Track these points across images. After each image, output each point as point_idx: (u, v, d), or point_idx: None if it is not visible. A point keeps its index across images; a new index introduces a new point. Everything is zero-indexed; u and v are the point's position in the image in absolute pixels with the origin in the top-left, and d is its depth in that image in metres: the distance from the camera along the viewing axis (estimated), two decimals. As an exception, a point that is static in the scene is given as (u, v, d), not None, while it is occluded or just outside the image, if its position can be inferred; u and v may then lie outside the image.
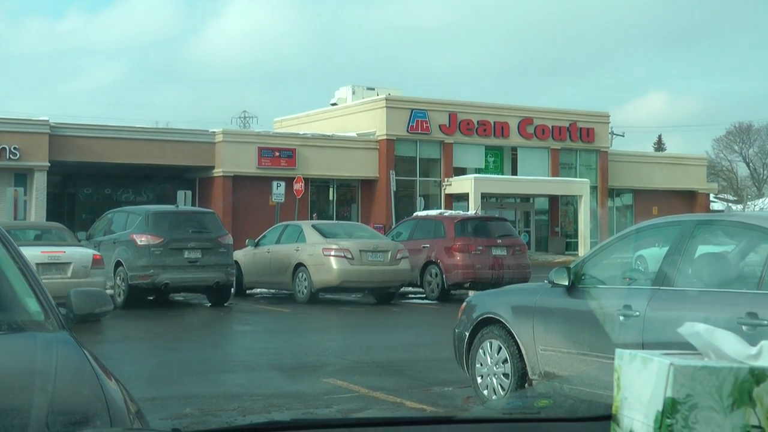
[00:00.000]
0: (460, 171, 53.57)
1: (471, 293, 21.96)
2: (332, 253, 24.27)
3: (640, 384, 2.26)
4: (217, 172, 48.69)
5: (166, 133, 50.53)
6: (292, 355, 15.41)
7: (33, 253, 18.18)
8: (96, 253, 21.82)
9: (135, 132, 48.51)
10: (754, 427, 2.21)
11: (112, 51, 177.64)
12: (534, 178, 54.43)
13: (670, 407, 2.17)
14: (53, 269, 19.99)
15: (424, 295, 26.71)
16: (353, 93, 58.62)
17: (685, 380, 2.18)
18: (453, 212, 32.55)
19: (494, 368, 10.31)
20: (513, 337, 10.07)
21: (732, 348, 2.31)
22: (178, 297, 25.75)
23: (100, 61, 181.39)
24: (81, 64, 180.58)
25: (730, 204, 78.76)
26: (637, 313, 8.53)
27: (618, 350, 2.38)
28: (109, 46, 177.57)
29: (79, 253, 20.96)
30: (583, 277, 9.52)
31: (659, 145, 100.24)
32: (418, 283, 26.70)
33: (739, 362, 2.28)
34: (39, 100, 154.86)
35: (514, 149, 56.08)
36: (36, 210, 44.30)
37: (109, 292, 21.74)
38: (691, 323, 2.39)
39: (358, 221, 45.82)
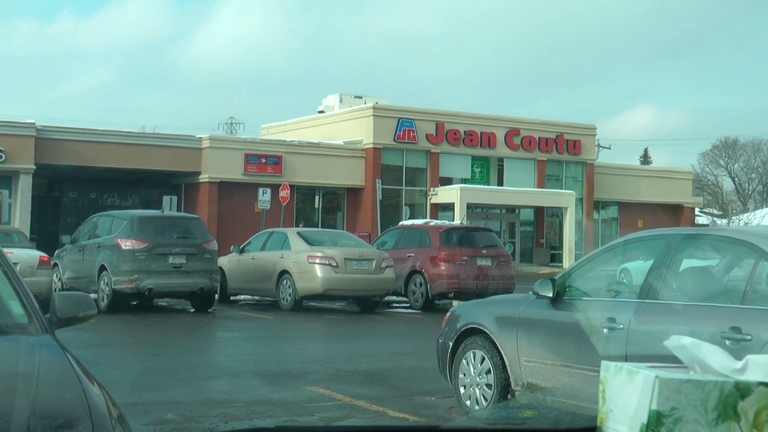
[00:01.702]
0: (447, 181, 53.60)
1: (455, 303, 21.97)
2: (317, 260, 24.24)
3: (625, 396, 2.26)
4: (203, 177, 48.62)
5: (153, 138, 50.41)
6: (276, 363, 15.38)
7: None
8: (43, 255, 22.67)
9: (121, 136, 48.42)
10: (738, 441, 2.21)
11: (100, 55, 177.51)
12: (520, 189, 54.47)
13: (655, 420, 2.17)
14: None
15: (408, 305, 26.69)
16: (340, 101, 58.70)
17: (670, 393, 2.18)
18: (438, 222, 32.56)
19: (477, 379, 10.30)
20: (497, 348, 10.06)
21: (717, 362, 2.32)
22: (162, 302, 25.70)
23: (88, 64, 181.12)
24: (69, 68, 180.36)
25: (715, 218, 78.92)
26: (621, 326, 8.53)
27: (604, 362, 2.38)
28: (98, 49, 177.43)
29: (26, 255, 21.83)
30: (567, 289, 9.51)
31: (645, 159, 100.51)
32: (403, 293, 26.68)
33: (725, 376, 2.28)
34: (26, 103, 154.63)
35: (500, 160, 56.11)
36: (21, 213, 44.15)
37: (93, 296, 21.72)
38: (678, 336, 2.39)
39: (343, 229, 45.82)
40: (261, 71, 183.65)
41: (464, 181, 54.01)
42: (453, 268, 25.86)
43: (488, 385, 10.17)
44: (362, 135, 52.21)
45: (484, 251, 26.58)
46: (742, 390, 2.22)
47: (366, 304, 25.23)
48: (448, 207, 52.07)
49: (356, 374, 13.79)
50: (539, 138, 56.26)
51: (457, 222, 38.25)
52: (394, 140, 52.04)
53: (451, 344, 10.67)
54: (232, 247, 27.72)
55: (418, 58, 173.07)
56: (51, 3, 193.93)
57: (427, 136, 52.79)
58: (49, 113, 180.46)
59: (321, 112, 59.48)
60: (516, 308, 10.12)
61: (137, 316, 22.48)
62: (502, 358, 10.02)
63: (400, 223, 33.58)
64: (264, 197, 40.59)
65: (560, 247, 56.67)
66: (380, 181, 50.02)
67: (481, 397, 10.26)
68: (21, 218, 43.65)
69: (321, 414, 10.36)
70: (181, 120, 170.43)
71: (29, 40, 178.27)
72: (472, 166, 55.22)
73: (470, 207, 52.52)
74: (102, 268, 23.21)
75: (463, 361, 10.49)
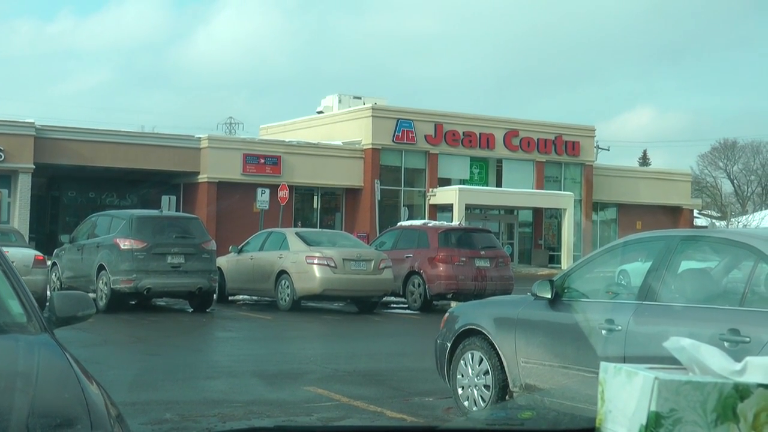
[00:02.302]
0: (445, 182, 53.61)
1: (453, 304, 21.96)
2: (315, 261, 24.22)
3: (624, 397, 2.26)
4: (202, 177, 48.63)
5: (152, 138, 50.45)
6: (274, 363, 15.37)
7: None
8: (38, 254, 22.78)
9: (120, 136, 48.45)
10: (737, 442, 2.21)
11: (100, 54, 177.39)
12: (518, 191, 54.47)
13: (654, 421, 2.17)
14: None
15: (406, 305, 26.68)
16: (339, 101, 58.70)
17: (669, 394, 2.18)
18: (437, 223, 32.55)
19: (475, 379, 10.30)
20: (495, 349, 10.06)
21: (717, 363, 2.32)
22: (161, 302, 25.68)
23: (87, 64, 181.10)
24: (69, 67, 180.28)
25: (714, 220, 78.92)
26: (620, 328, 8.52)
27: (603, 363, 2.38)
28: (98, 49, 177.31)
29: (21, 253, 21.92)
30: (566, 290, 9.50)
31: (644, 160, 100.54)
32: (401, 293, 26.67)
33: (724, 378, 2.28)
34: (25, 102, 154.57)
35: (499, 161, 56.13)
36: (20, 212, 44.15)
37: (92, 295, 21.73)
38: (677, 338, 2.39)
39: (342, 230, 45.79)
40: (260, 72, 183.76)
41: (463, 182, 54.01)
42: (451, 269, 25.85)
43: (486, 386, 10.17)
44: (361, 135, 52.22)
45: (483, 252, 26.58)
46: (742, 392, 2.22)
47: (364, 304, 25.22)
48: (447, 208, 52.07)
49: (354, 374, 13.78)
50: (538, 139, 56.27)
51: (455, 223, 38.24)
52: (392, 141, 52.06)
53: (449, 345, 10.66)
54: (230, 247, 27.69)
55: (417, 59, 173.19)
56: (50, 3, 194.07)
57: (425, 136, 52.80)
58: (48, 113, 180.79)
59: (320, 112, 59.48)
60: (514, 309, 10.12)
61: (136, 315, 22.47)
62: (500, 359, 10.01)
63: (399, 224, 33.56)
64: (263, 197, 40.58)
65: (559, 248, 56.65)
66: (379, 181, 50.00)
67: (479, 398, 10.26)
68: (20, 217, 43.66)
69: (319, 414, 10.35)
70: (179, 120, 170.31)
71: (28, 40, 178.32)
72: (471, 167, 55.23)
73: (469, 208, 52.54)
74: (101, 268, 23.20)
75: (461, 362, 10.49)
